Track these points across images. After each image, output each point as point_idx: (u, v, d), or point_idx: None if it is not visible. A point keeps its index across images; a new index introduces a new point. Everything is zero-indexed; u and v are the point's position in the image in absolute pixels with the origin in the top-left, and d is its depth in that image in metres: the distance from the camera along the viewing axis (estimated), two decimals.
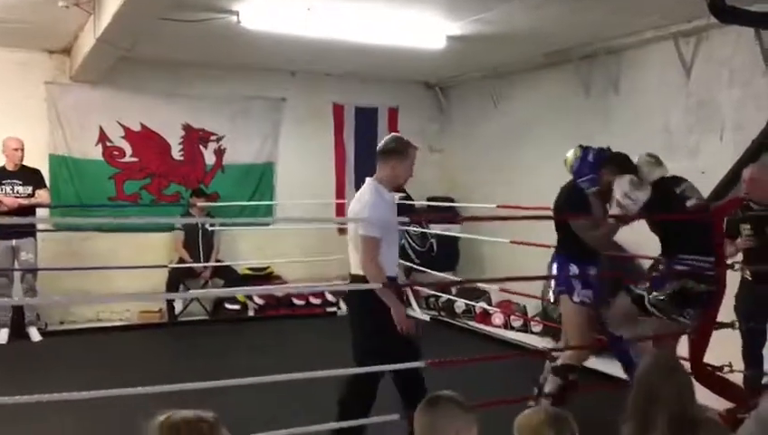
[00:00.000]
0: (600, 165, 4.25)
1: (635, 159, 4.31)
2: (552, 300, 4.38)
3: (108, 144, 7.96)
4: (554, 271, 4.41)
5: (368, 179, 3.89)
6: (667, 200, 4.18)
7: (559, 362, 4.41)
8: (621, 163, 4.25)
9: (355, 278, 3.86)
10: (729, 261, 4.35)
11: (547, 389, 4.35)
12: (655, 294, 4.07)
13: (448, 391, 2.29)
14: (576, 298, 4.29)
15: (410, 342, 3.71)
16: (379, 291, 3.62)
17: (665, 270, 4.24)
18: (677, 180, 4.28)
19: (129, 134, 8.05)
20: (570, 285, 4.30)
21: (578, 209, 4.27)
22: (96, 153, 7.91)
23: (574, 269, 4.29)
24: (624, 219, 4.17)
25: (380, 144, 3.91)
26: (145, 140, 8.13)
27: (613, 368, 5.24)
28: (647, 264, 5.09)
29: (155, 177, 8.20)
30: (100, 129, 7.91)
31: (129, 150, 8.06)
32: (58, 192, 7.54)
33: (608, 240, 4.39)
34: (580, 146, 4.44)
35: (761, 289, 4.47)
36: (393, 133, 4.00)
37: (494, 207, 6.45)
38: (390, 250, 3.79)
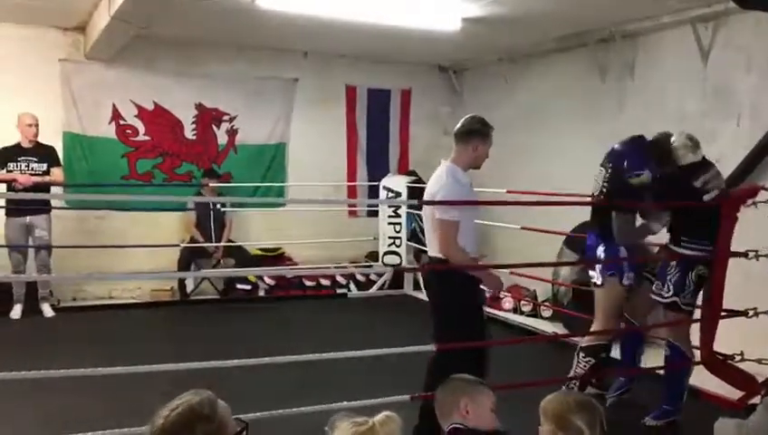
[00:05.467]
0: (655, 163, 4.21)
1: (675, 137, 4.27)
2: (598, 283, 4.36)
3: (121, 123, 7.98)
4: (600, 253, 4.37)
5: (443, 162, 3.85)
6: (682, 192, 4.18)
7: (586, 342, 4.42)
8: (663, 155, 4.21)
9: (433, 261, 3.86)
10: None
11: (574, 371, 4.40)
12: (683, 295, 4.17)
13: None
14: (626, 281, 4.32)
15: (483, 320, 3.83)
16: (467, 268, 3.68)
17: (669, 258, 4.28)
18: (704, 168, 4.22)
19: (142, 113, 8.06)
20: (620, 269, 4.32)
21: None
22: (109, 131, 7.93)
23: (623, 252, 4.31)
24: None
25: (461, 125, 3.84)
26: (158, 118, 8.14)
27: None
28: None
29: (167, 156, 8.22)
30: (114, 107, 7.92)
31: (142, 129, 8.08)
32: (72, 170, 7.58)
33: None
34: (633, 138, 4.40)
35: None
36: (472, 114, 3.93)
37: (503, 192, 6.44)
38: (470, 231, 3.78)
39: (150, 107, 8.10)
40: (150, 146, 8.13)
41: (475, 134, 3.79)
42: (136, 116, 8.04)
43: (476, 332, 3.69)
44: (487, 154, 3.88)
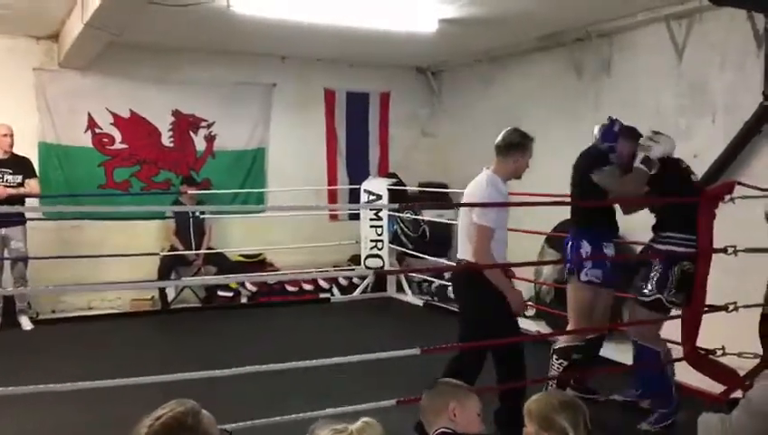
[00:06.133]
0: (621, 134, 4.36)
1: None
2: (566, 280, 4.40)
3: (97, 131, 7.89)
4: (568, 250, 4.41)
5: (485, 170, 3.96)
6: (675, 176, 4.23)
7: (559, 344, 4.44)
8: (637, 137, 4.32)
9: (466, 266, 3.92)
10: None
11: (550, 372, 4.39)
12: (667, 292, 4.14)
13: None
14: (583, 277, 4.30)
15: (513, 320, 3.90)
16: (491, 277, 3.76)
17: (651, 254, 4.29)
18: (679, 160, 4.35)
19: (118, 121, 7.98)
20: (579, 264, 4.32)
21: (599, 166, 4.33)
22: (85, 140, 7.84)
23: (587, 248, 4.31)
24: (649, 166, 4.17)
25: (501, 138, 3.96)
26: (134, 126, 8.06)
27: (613, 352, 5.29)
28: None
29: (145, 164, 8.14)
30: (89, 115, 7.83)
31: (118, 137, 7.99)
32: (48, 180, 7.48)
33: (636, 195, 4.37)
34: (610, 117, 4.53)
35: None
36: (512, 127, 4.06)
37: None
38: (501, 238, 3.88)
39: (126, 114, 8.01)
40: (127, 154, 8.05)
41: (516, 147, 3.92)
42: (112, 124, 7.95)
43: (501, 329, 3.80)
44: (528, 164, 4.00)
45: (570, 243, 4.42)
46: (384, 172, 9.23)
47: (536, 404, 2.15)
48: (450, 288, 4.36)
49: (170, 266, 7.79)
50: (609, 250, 4.38)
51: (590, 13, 6.31)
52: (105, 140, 7.95)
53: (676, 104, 6.10)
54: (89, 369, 4.75)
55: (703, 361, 4.40)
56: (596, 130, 4.53)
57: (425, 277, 8.39)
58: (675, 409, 4.17)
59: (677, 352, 4.46)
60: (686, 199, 4.21)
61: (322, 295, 8.45)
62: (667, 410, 4.18)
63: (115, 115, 7.95)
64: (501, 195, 3.87)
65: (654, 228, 4.40)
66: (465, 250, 3.94)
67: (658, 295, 4.15)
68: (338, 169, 9.17)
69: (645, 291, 4.21)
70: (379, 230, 8.32)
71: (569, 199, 4.60)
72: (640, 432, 4.16)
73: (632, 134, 4.36)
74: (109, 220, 7.68)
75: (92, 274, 7.35)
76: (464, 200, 3.96)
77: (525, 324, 6.81)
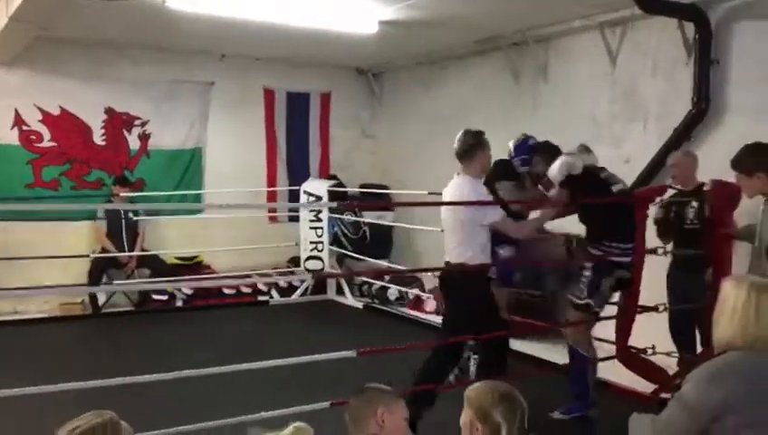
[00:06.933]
0: (536, 151, 4.48)
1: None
2: None
3: (24, 128, 7.59)
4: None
5: (458, 175, 4.11)
6: (593, 185, 4.29)
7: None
8: (554, 153, 4.38)
9: (454, 267, 4.06)
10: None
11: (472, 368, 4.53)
12: (596, 300, 4.27)
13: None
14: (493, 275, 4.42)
15: (498, 316, 4.15)
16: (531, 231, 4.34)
17: (586, 260, 4.37)
18: (601, 169, 4.44)
19: (47, 118, 7.69)
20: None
21: (502, 178, 4.55)
22: (12, 138, 7.53)
23: (507, 250, 4.52)
24: (546, 187, 4.34)
25: (459, 145, 4.08)
26: (64, 123, 7.78)
27: (540, 351, 5.39)
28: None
29: (75, 162, 7.86)
30: (16, 112, 7.53)
31: (47, 135, 7.70)
32: None
33: (535, 224, 4.52)
34: (524, 133, 4.67)
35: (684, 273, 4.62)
36: (464, 129, 4.17)
37: (425, 194, 6.47)
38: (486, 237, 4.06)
39: (56, 111, 7.73)
40: (57, 152, 7.76)
41: (475, 148, 4.07)
42: (40, 121, 7.66)
43: (489, 325, 4.01)
44: (491, 156, 4.16)
45: None
46: (325, 174, 9.16)
47: (475, 393, 2.14)
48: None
49: (101, 269, 7.54)
50: (504, 251, 4.55)
51: (526, 18, 6.39)
52: (33, 137, 7.64)
53: (609, 110, 6.24)
54: (12, 376, 4.54)
55: (634, 359, 4.52)
56: (511, 143, 4.66)
57: (365, 279, 8.36)
58: (589, 404, 4.33)
59: (610, 351, 4.56)
60: (621, 199, 4.32)
61: (261, 298, 8.33)
62: (579, 404, 4.34)
63: (44, 112, 7.66)
64: (484, 195, 4.09)
65: (587, 232, 4.47)
66: (455, 253, 4.04)
67: (588, 301, 4.27)
68: (277, 169, 9.04)
69: (577, 293, 4.31)
70: (319, 232, 8.25)
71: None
72: (558, 422, 4.30)
73: (547, 150, 4.46)
74: (37, 221, 7.36)
75: (18, 277, 7.03)
76: (449, 206, 4.07)
77: None
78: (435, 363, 4.11)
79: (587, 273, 4.28)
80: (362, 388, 2.37)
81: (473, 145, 4.06)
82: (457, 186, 4.11)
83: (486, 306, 4.06)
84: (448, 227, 4.12)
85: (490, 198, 4.14)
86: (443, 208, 4.14)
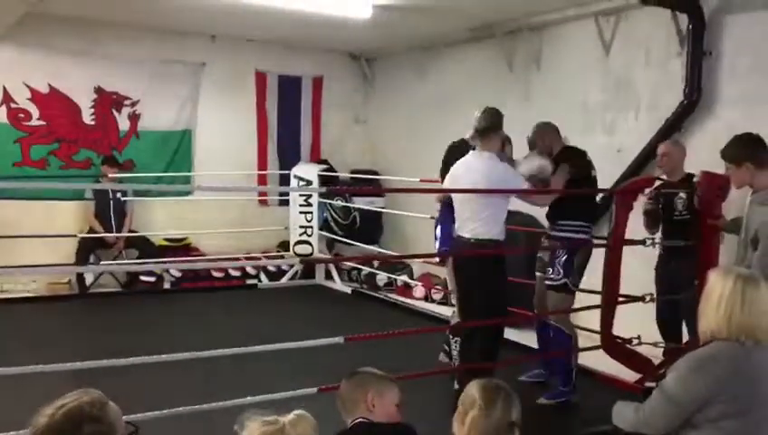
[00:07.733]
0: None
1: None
2: None
3: (12, 106, 7.50)
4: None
5: (480, 153, 4.07)
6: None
7: (452, 322, 4.70)
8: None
9: (476, 244, 4.02)
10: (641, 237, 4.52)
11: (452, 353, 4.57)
12: (572, 277, 4.39)
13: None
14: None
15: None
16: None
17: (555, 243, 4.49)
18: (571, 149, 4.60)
19: (35, 96, 7.60)
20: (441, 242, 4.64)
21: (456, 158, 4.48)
22: (0, 116, 7.44)
23: (437, 231, 4.68)
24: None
25: (484, 121, 4.06)
26: (53, 102, 7.69)
27: (519, 336, 5.42)
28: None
29: (64, 142, 7.78)
30: (4, 89, 7.44)
31: (36, 113, 7.62)
32: None
33: None
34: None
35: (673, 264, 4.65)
36: (485, 107, 4.15)
37: (417, 181, 6.46)
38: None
39: (45, 90, 7.64)
40: (45, 131, 7.68)
41: (498, 126, 4.11)
42: (29, 99, 7.57)
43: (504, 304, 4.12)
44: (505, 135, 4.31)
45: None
46: (316, 158, 9.12)
47: (469, 390, 2.14)
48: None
49: (89, 249, 7.50)
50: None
51: (520, 6, 6.37)
52: (21, 115, 7.56)
53: (602, 99, 6.24)
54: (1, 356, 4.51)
55: (619, 349, 4.54)
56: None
57: (354, 265, 8.35)
58: (572, 389, 4.39)
59: (595, 340, 4.59)
60: (584, 192, 4.47)
61: (249, 282, 8.31)
62: (566, 389, 4.40)
63: (33, 90, 7.57)
64: (513, 170, 4.17)
65: (548, 217, 4.61)
66: (482, 229, 4.00)
67: (565, 280, 4.37)
68: (268, 153, 8.99)
69: (552, 276, 4.42)
70: (309, 216, 8.23)
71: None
72: (542, 407, 4.34)
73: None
74: (24, 200, 7.30)
75: (5, 256, 6.95)
76: (468, 179, 4.03)
77: (441, 310, 6.89)
78: (483, 350, 4.03)
79: (558, 254, 4.40)
80: (355, 371, 2.37)
81: (496, 123, 4.10)
82: (482, 162, 4.05)
83: (505, 288, 4.11)
84: (471, 203, 4.04)
85: (517, 173, 4.15)
86: (461, 184, 4.07)
